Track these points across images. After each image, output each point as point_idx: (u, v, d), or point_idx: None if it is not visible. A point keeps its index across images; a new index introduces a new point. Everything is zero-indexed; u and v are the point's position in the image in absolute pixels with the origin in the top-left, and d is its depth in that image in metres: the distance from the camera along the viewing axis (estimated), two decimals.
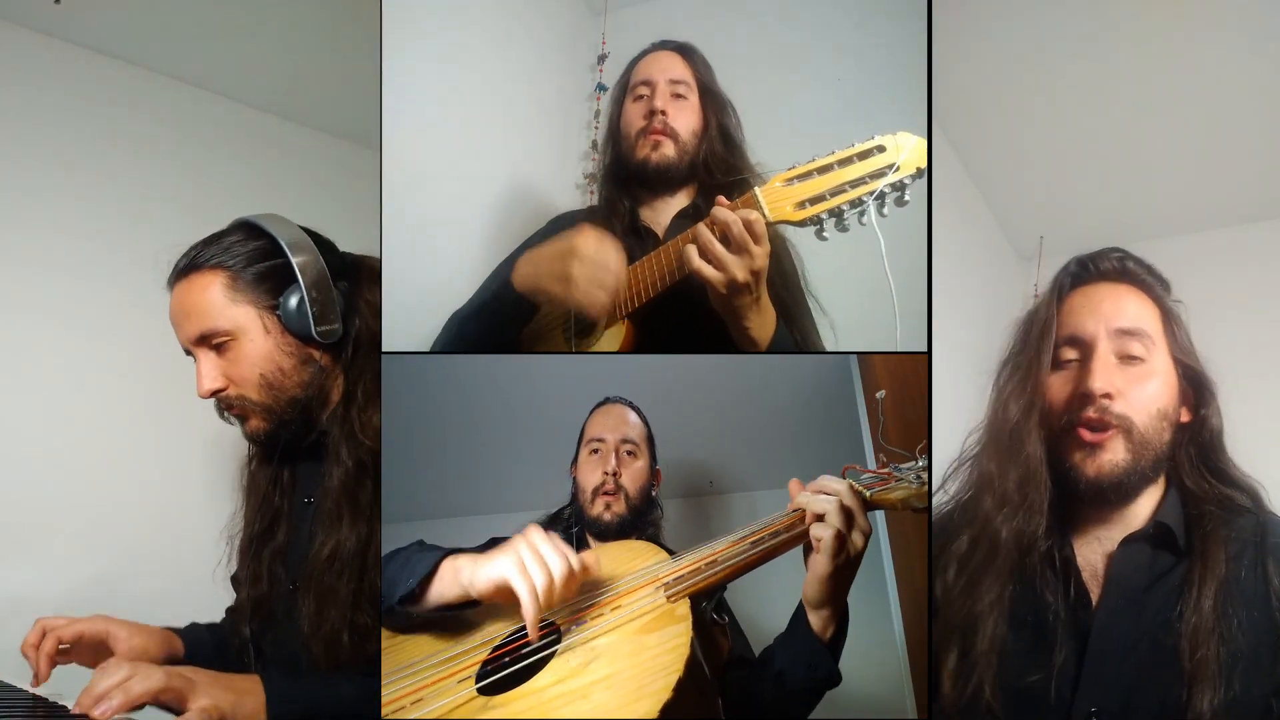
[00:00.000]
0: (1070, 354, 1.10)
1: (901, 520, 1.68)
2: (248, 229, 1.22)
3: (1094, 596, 1.07)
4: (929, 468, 1.04)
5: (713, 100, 1.45)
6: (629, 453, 1.49)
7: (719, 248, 1.10)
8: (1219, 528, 1.05)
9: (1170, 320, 1.12)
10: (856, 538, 0.99)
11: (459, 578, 1.05)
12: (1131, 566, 1.07)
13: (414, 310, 1.42)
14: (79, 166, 2.09)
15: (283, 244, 1.19)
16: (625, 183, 1.45)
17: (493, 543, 1.41)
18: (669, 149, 1.39)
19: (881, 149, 1.09)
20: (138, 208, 2.19)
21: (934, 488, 1.13)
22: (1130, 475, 1.06)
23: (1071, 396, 1.08)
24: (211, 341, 1.18)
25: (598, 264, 1.16)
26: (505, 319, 1.31)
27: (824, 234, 1.12)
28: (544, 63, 2.03)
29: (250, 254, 1.20)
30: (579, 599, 1.06)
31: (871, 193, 1.08)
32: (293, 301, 1.18)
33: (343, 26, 2.12)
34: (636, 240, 1.38)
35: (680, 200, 1.43)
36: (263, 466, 1.30)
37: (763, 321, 1.17)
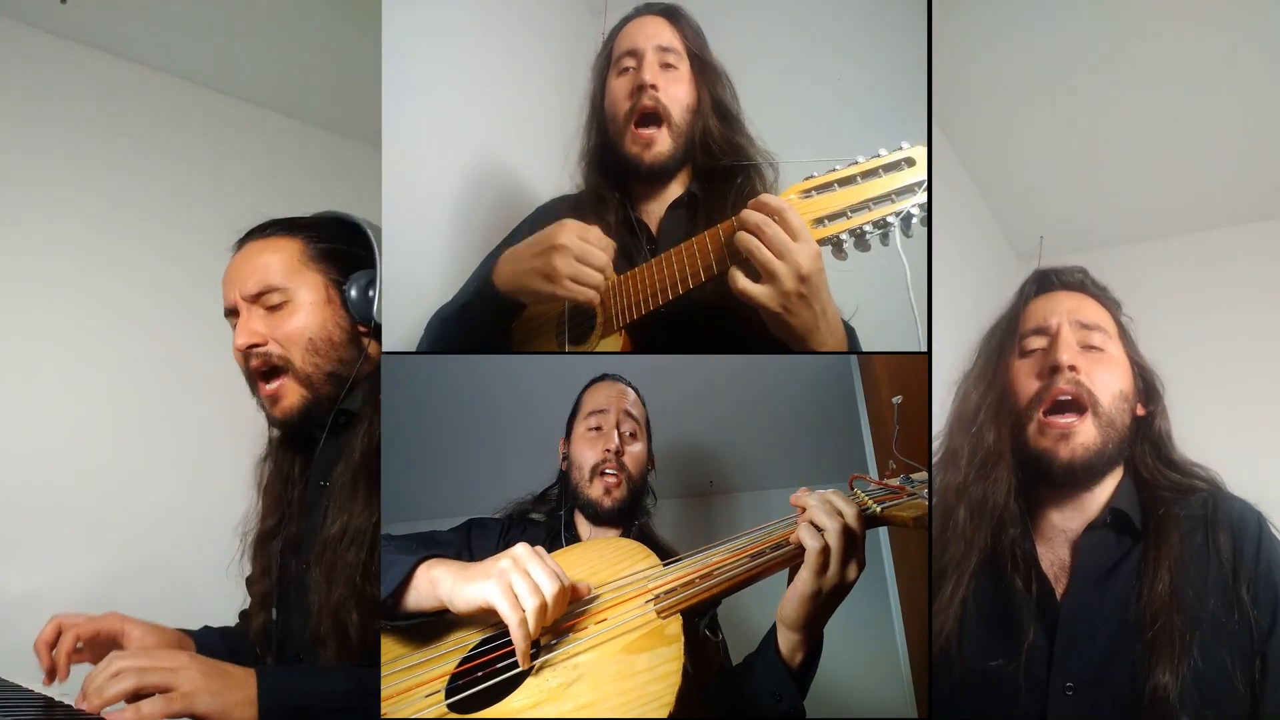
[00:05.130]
0: (1036, 342, 1.19)
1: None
2: (330, 218, 1.31)
3: (1055, 583, 1.14)
4: (929, 470, 1.03)
5: (705, 70, 1.31)
6: (630, 433, 1.39)
7: (767, 253, 0.99)
8: (1171, 509, 1.12)
9: (1122, 331, 1.22)
10: (851, 570, 0.92)
11: (436, 590, 1.00)
12: (1096, 552, 1.14)
13: (414, 310, 1.41)
14: (84, 163, 2.10)
15: (368, 231, 1.26)
16: (613, 171, 1.33)
17: (470, 525, 1.37)
18: (662, 145, 1.27)
19: (911, 161, 0.99)
20: (143, 204, 2.19)
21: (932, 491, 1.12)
22: (1100, 457, 1.14)
23: (1039, 374, 1.16)
24: (267, 301, 1.22)
25: (582, 255, 1.12)
26: (488, 319, 1.26)
27: (843, 252, 1.03)
28: (544, 62, 2.03)
29: (324, 234, 1.27)
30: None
31: (897, 212, 0.99)
32: (361, 283, 1.23)
33: (344, 26, 2.12)
34: (629, 235, 1.30)
35: (675, 188, 1.33)
36: (279, 458, 1.32)
37: (830, 328, 1.07)
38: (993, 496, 1.14)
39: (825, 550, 0.91)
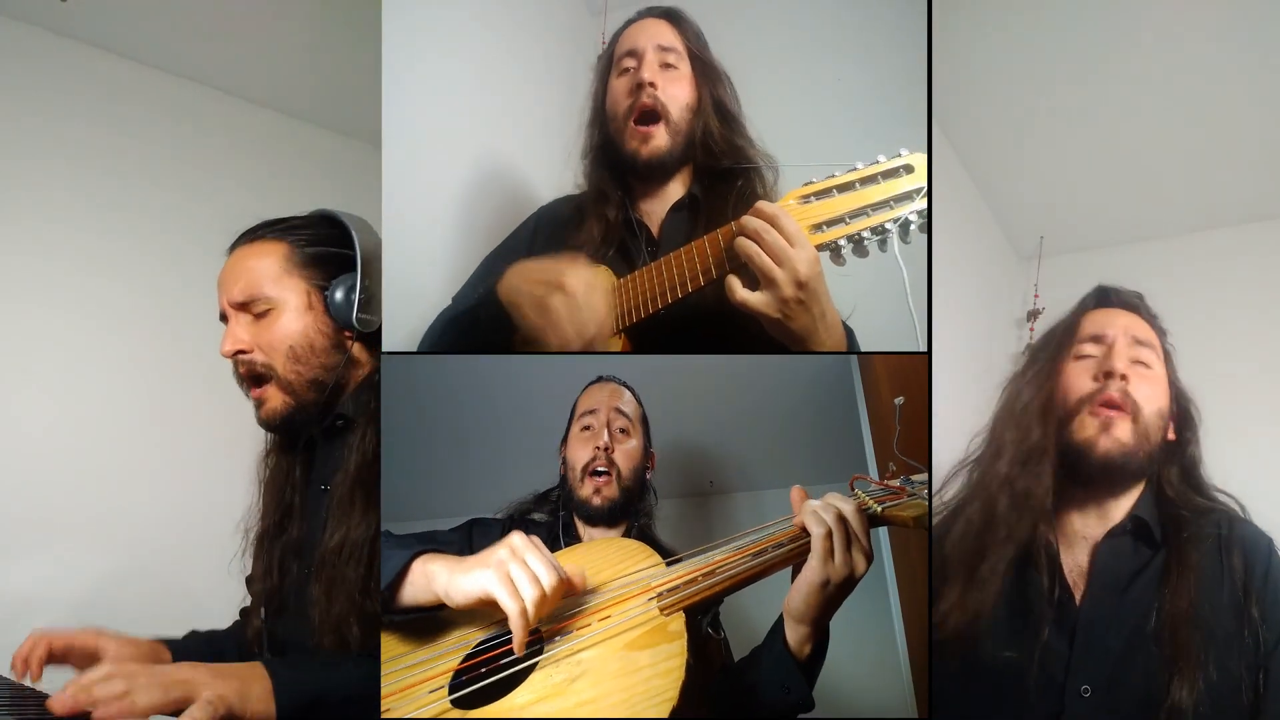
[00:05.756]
0: (1091, 350, 1.24)
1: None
2: (323, 218, 1.28)
3: (1073, 588, 1.17)
4: (929, 470, 1.03)
5: (706, 71, 1.32)
6: (621, 430, 1.40)
7: (766, 259, 1.00)
8: (1192, 529, 1.17)
9: (1166, 356, 1.27)
10: (859, 561, 0.93)
11: (433, 584, 1.00)
12: (1116, 560, 1.18)
13: (414, 310, 1.41)
14: (84, 163, 2.10)
15: (352, 232, 1.24)
16: (614, 168, 1.34)
17: (472, 525, 1.37)
18: (660, 139, 1.27)
19: (909, 169, 1.00)
20: (143, 204, 2.19)
21: (932, 492, 1.13)
22: (1129, 460, 1.17)
23: (1094, 377, 1.21)
24: (252, 309, 1.22)
25: (580, 307, 1.11)
26: (488, 330, 1.24)
27: (841, 258, 1.03)
28: (544, 63, 2.03)
29: (314, 237, 1.25)
30: (564, 606, 1.00)
31: (895, 219, 1.00)
32: (343, 288, 1.22)
33: (344, 26, 2.12)
34: (630, 234, 1.31)
35: (675, 188, 1.33)
36: (279, 459, 1.32)
37: (829, 331, 1.07)
38: (1036, 490, 1.18)
39: (830, 535, 0.92)
